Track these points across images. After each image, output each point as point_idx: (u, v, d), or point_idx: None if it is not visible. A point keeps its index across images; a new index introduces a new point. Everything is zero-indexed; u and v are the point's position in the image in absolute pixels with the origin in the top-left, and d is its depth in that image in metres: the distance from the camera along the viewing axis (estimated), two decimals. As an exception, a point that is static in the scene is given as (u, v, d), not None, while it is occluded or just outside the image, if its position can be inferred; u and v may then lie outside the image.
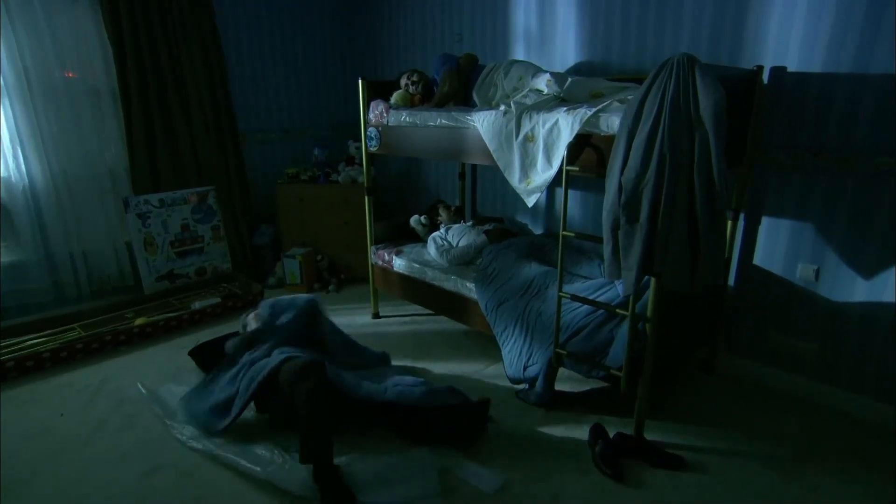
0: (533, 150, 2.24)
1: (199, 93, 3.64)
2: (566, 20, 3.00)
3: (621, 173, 1.86)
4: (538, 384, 2.36)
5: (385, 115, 2.94)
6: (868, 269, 2.23)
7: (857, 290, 2.27)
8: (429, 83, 2.99)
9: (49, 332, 3.02)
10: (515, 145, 2.28)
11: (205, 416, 2.21)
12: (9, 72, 3.01)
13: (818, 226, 2.32)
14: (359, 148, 3.46)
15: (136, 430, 2.27)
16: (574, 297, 2.24)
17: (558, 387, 2.42)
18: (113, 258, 3.56)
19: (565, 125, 2.08)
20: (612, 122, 1.98)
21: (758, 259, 2.53)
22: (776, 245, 2.46)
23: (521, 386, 2.49)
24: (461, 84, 2.75)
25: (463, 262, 3.00)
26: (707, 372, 2.70)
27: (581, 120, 2.03)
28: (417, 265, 3.07)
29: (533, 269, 2.65)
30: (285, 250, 3.92)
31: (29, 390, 2.58)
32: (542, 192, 2.27)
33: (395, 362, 2.72)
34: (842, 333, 2.34)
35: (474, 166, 3.72)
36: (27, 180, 3.18)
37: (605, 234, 1.96)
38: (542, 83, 2.38)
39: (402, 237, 3.51)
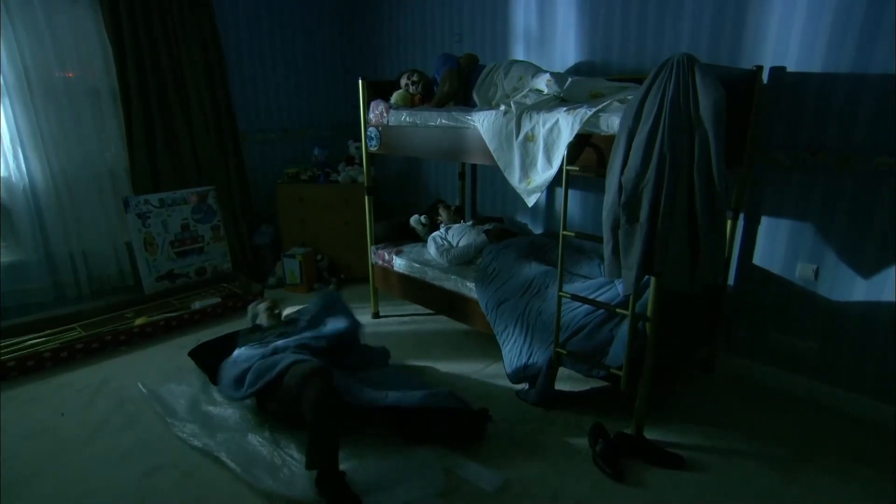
0: (533, 150, 2.24)
1: (199, 93, 3.64)
2: (566, 20, 3.00)
3: (621, 173, 1.86)
4: (538, 383, 2.37)
5: (385, 114, 2.95)
6: (867, 269, 2.24)
7: (857, 289, 2.27)
8: (429, 83, 2.99)
9: (49, 331, 3.02)
10: (516, 145, 2.28)
11: (228, 383, 2.31)
12: (9, 72, 3.01)
13: (817, 225, 2.33)
14: (359, 148, 3.46)
15: (136, 430, 2.27)
16: (574, 297, 2.25)
17: (558, 386, 2.42)
18: (113, 258, 3.57)
19: (565, 125, 2.08)
20: (612, 122, 1.98)
21: (757, 259, 2.53)
22: (776, 245, 2.46)
23: (522, 385, 2.49)
24: (461, 84, 2.76)
25: (463, 261, 3.00)
26: (707, 371, 2.70)
27: (581, 120, 2.03)
28: (417, 265, 3.07)
29: (533, 269, 2.66)
30: (285, 250, 3.92)
31: (29, 390, 2.58)
32: (542, 192, 2.28)
33: (395, 362, 2.72)
34: (841, 333, 2.35)
35: (474, 166, 3.72)
36: (27, 180, 3.19)
37: (606, 234, 1.96)
38: (542, 83, 2.38)
39: (402, 237, 3.51)
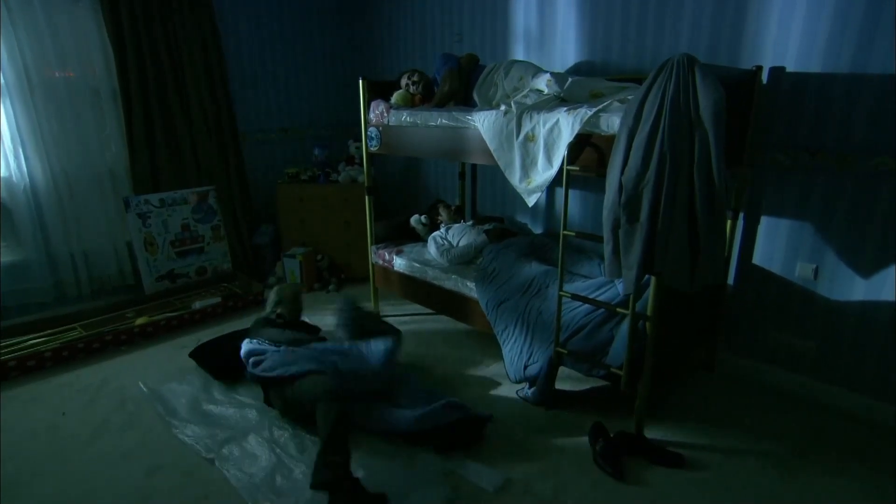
0: (533, 150, 2.24)
1: (199, 93, 3.64)
2: (566, 20, 3.00)
3: (622, 173, 1.87)
4: (538, 383, 2.37)
5: (385, 114, 2.95)
6: (866, 268, 2.24)
7: (856, 288, 2.28)
8: (429, 83, 2.99)
9: (50, 331, 3.02)
10: (516, 145, 2.28)
11: (246, 357, 2.41)
12: (9, 71, 3.01)
13: (817, 225, 2.33)
14: (359, 148, 3.46)
15: (137, 430, 2.27)
16: (574, 297, 2.25)
17: (559, 386, 2.43)
18: (113, 258, 3.57)
19: (566, 125, 2.09)
20: (612, 122, 1.98)
21: (757, 258, 2.54)
22: (775, 244, 2.47)
23: (522, 385, 2.49)
24: (462, 84, 2.76)
25: (463, 261, 3.01)
26: (707, 371, 2.71)
27: (581, 120, 2.03)
28: (418, 264, 3.08)
29: (533, 269, 2.66)
30: (285, 250, 3.92)
31: (30, 390, 2.58)
32: (542, 192, 2.28)
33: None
34: (840, 332, 2.35)
35: (474, 166, 3.72)
36: (28, 180, 3.19)
37: (606, 234, 1.96)
38: (543, 83, 2.39)
39: (402, 237, 3.51)
